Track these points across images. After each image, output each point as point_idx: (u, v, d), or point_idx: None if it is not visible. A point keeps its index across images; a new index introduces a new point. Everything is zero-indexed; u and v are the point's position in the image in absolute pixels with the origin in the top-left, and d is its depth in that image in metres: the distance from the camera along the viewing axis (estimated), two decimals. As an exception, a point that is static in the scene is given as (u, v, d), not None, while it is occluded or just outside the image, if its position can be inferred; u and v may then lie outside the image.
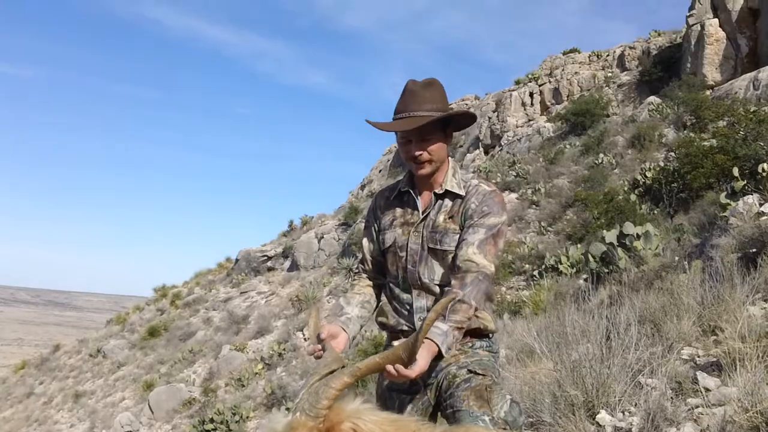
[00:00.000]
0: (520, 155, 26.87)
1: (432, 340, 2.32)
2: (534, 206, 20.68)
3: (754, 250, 6.61)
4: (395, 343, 2.76)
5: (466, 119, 2.83)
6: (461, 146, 32.85)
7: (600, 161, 20.99)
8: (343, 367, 2.08)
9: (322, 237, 30.67)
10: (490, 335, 2.81)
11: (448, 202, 2.74)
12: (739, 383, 3.36)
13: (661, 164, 17.27)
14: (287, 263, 31.43)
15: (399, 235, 2.80)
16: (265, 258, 32.78)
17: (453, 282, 2.57)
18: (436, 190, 2.76)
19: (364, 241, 3.02)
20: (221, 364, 23.00)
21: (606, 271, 10.27)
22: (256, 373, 21.27)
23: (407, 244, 2.76)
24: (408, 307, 2.74)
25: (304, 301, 24.47)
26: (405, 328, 2.76)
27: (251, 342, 24.10)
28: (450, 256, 2.68)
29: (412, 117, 2.62)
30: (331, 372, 2.04)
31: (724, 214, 8.67)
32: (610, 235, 10.55)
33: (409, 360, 2.07)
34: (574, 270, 13.66)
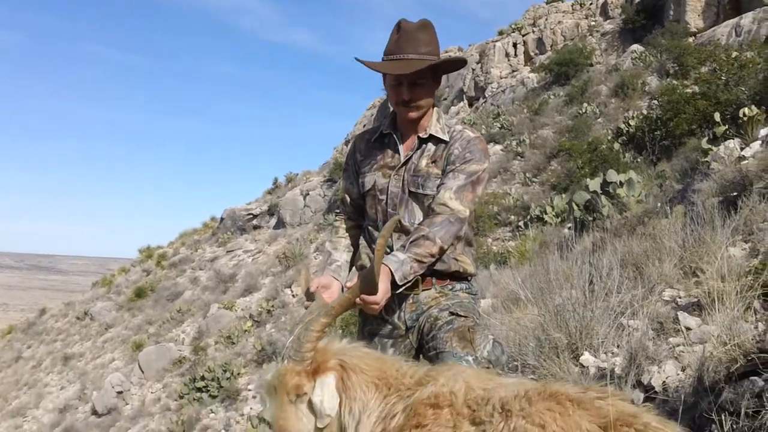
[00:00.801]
0: (505, 107, 26.80)
1: (388, 267, 2.35)
2: (519, 157, 20.71)
3: (735, 193, 6.65)
4: None
5: (457, 65, 2.79)
6: (445, 98, 32.67)
7: (584, 111, 20.98)
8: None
9: (308, 194, 30.62)
10: (470, 278, 2.81)
11: (431, 147, 2.71)
12: (719, 320, 3.41)
13: (644, 112, 17.27)
14: (273, 221, 31.42)
15: (379, 177, 2.77)
16: (251, 216, 32.72)
17: (423, 221, 2.58)
18: (420, 134, 2.72)
19: (344, 183, 2.99)
20: (210, 322, 23.10)
21: (590, 219, 10.34)
22: (246, 331, 21.40)
23: (387, 187, 2.73)
24: (387, 251, 2.66)
25: (291, 258, 24.52)
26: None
27: (239, 300, 24.21)
28: (430, 199, 2.66)
29: (408, 60, 2.56)
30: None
31: (706, 159, 8.72)
32: (594, 184, 10.59)
33: (371, 288, 2.14)
34: (559, 219, 13.76)
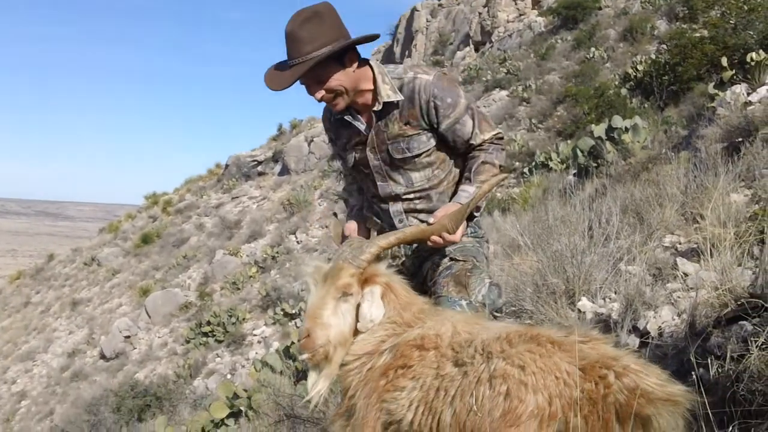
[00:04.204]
0: (511, 51, 26.40)
1: (459, 203, 2.48)
2: (524, 103, 20.49)
3: (740, 139, 6.57)
4: None
5: (356, 45, 2.49)
6: (451, 43, 32.20)
7: (591, 56, 20.66)
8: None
9: (312, 140, 30.44)
10: (475, 215, 2.68)
11: (394, 112, 2.57)
12: (713, 266, 3.39)
13: (653, 57, 16.98)
14: (278, 167, 31.33)
15: (357, 153, 2.71)
16: (255, 163, 32.64)
17: (474, 153, 2.65)
18: (375, 108, 2.56)
19: (334, 149, 2.96)
20: (215, 268, 23.28)
21: (594, 165, 10.27)
22: (251, 277, 21.59)
23: (368, 162, 2.68)
24: (387, 214, 2.75)
25: (295, 204, 24.55)
26: (389, 229, 2.73)
27: (244, 246, 24.33)
28: (424, 157, 2.60)
29: (290, 68, 2.38)
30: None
31: (712, 104, 8.58)
32: (599, 129, 10.49)
33: (456, 227, 2.39)
34: (564, 166, 13.65)
